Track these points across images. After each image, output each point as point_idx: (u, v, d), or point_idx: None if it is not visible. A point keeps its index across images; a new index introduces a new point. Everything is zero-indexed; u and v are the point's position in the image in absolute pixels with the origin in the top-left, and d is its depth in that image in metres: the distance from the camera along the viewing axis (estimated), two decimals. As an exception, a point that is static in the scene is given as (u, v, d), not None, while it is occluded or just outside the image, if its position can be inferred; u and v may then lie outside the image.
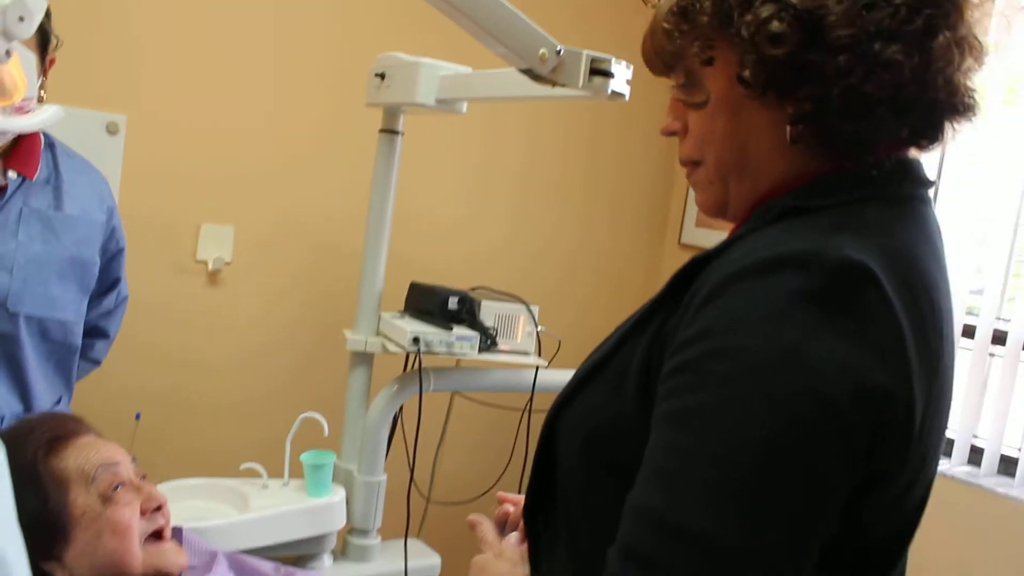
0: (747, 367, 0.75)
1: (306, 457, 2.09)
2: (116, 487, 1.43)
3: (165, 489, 2.03)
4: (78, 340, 1.80)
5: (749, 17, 0.84)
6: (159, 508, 1.49)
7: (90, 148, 2.16)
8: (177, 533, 1.59)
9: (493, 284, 2.42)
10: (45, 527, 1.37)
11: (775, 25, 0.83)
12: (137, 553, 1.42)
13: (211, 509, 2.03)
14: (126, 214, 2.23)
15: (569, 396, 0.98)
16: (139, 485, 1.48)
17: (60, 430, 1.48)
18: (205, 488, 2.08)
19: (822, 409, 0.74)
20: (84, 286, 1.77)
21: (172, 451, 2.36)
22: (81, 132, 2.16)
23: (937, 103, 0.86)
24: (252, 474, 2.10)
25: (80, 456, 1.45)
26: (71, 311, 1.75)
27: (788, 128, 0.86)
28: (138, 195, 2.27)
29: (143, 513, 1.45)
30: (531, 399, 2.34)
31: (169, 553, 1.47)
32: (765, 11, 0.83)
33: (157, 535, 1.47)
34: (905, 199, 0.89)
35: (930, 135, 0.89)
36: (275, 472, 2.14)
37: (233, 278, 2.47)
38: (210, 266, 2.42)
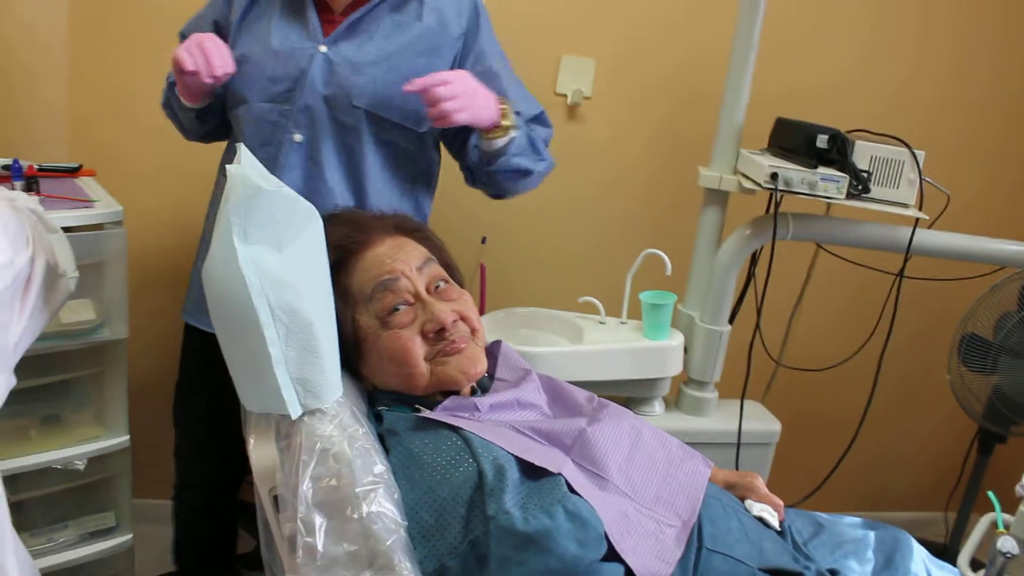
0: None
1: (646, 296, 1.98)
2: (393, 310, 1.35)
3: (500, 316, 2.02)
4: (420, 155, 1.78)
5: None
6: (442, 330, 1.35)
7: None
8: (495, 345, 1.54)
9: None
10: (346, 341, 1.34)
11: None
12: (421, 374, 1.34)
13: (544, 338, 2.00)
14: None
15: None
16: (426, 301, 1.36)
17: (349, 240, 1.40)
18: (541, 317, 2.05)
19: None
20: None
21: (513, 280, 2.36)
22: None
23: None
24: (590, 309, 2.04)
25: (363, 275, 1.37)
26: (411, 117, 1.71)
27: None
28: (500, 24, 2.20)
29: (425, 336, 1.35)
30: (905, 261, 2.04)
31: (450, 368, 1.35)
32: None
33: (447, 352, 1.36)
34: None
35: None
36: (614, 311, 2.06)
37: (591, 113, 2.37)
38: (569, 99, 2.34)
